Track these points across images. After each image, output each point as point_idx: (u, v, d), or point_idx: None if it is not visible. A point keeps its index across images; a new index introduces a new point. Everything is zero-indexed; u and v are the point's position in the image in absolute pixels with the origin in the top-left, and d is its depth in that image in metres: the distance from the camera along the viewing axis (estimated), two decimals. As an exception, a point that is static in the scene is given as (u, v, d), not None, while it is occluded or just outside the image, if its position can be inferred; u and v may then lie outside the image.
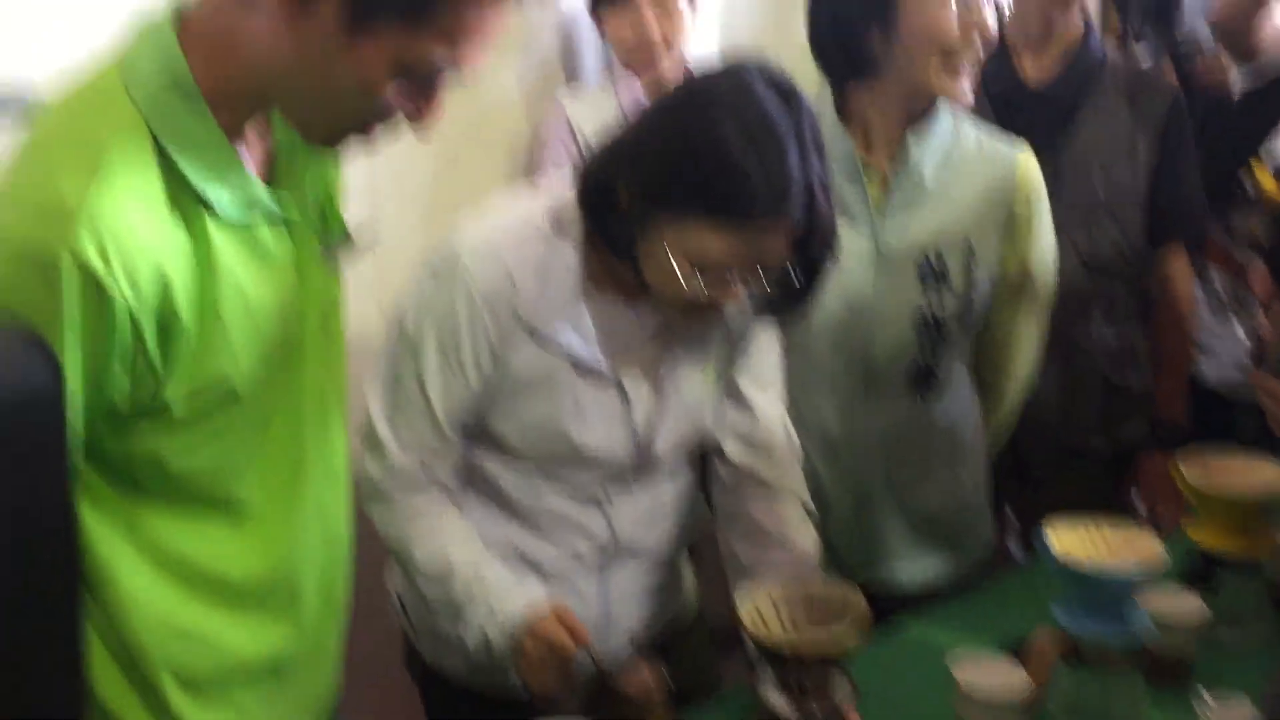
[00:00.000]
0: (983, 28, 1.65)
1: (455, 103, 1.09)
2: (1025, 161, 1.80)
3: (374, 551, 1.62)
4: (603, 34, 2.48)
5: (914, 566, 1.92)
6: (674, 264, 1.33)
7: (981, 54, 1.68)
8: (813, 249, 1.37)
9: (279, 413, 1.19)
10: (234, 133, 1.08)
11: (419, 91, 1.06)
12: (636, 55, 2.36)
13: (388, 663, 1.75)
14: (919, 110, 1.73)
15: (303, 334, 1.19)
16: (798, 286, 1.42)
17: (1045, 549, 1.47)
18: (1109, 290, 2.13)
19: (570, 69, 2.74)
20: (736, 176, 1.28)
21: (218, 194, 1.06)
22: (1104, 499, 2.06)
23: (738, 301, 1.38)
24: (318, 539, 1.26)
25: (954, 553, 1.94)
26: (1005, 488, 2.25)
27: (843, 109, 1.76)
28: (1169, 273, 2.21)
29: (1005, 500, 2.28)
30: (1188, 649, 1.55)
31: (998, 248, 1.80)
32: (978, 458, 1.96)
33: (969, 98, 1.71)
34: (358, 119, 1.07)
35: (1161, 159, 2.09)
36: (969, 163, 1.77)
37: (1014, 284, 1.85)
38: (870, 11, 1.65)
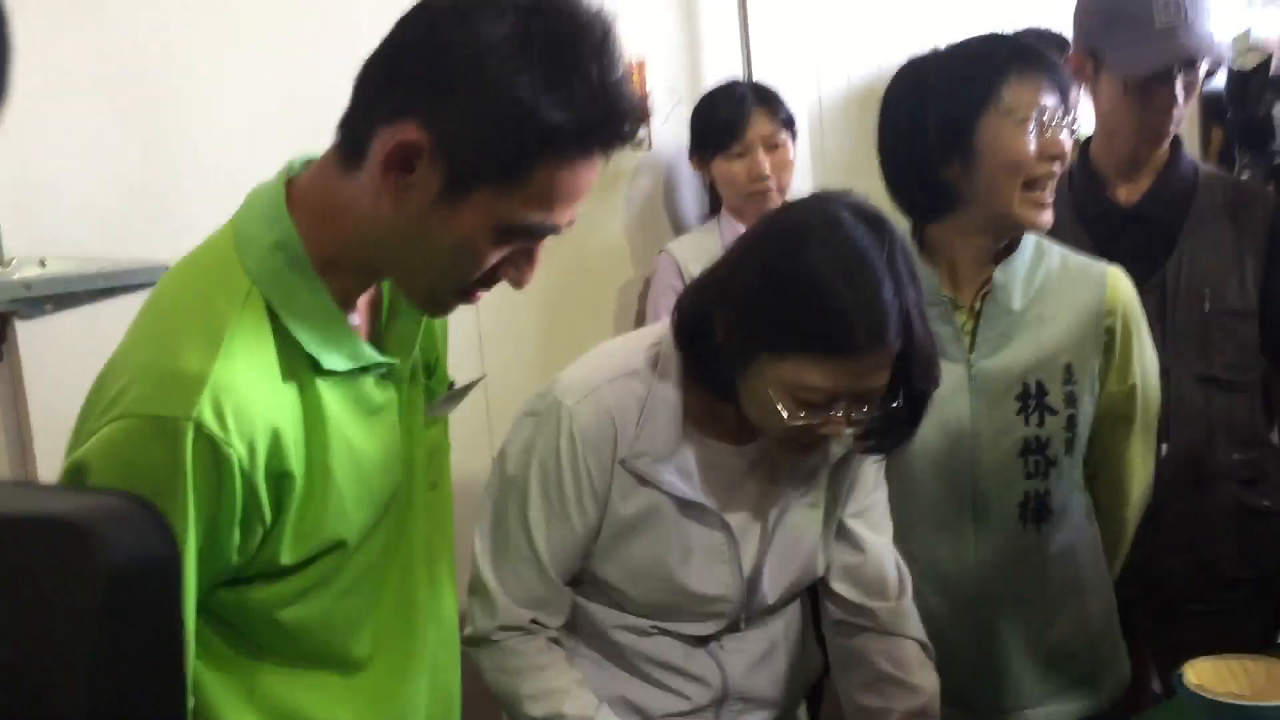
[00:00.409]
0: (1061, 154, 1.65)
1: (559, 250, 1.12)
2: (1115, 276, 1.77)
3: (483, 708, 1.61)
4: (707, 177, 2.53)
5: (1047, 709, 1.83)
6: (775, 399, 1.33)
7: (1057, 178, 1.68)
8: (914, 377, 1.36)
9: (389, 565, 1.20)
10: (345, 298, 1.12)
11: (519, 254, 1.09)
12: (749, 198, 2.41)
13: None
14: (1003, 240, 1.73)
15: (411, 486, 1.21)
16: (902, 416, 1.40)
17: (1184, 687, 1.41)
18: (1230, 410, 2.07)
19: (671, 212, 2.80)
20: (832, 312, 1.29)
21: (328, 357, 1.09)
22: (1247, 631, 1.97)
23: (841, 434, 1.37)
24: (428, 692, 1.26)
25: (1089, 691, 1.85)
26: (1142, 624, 2.16)
27: (924, 245, 1.76)
28: None
29: (1143, 637, 2.18)
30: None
31: (1097, 367, 1.76)
32: (1104, 588, 1.89)
33: (1049, 224, 1.70)
34: (460, 283, 1.10)
35: (1269, 268, 2.04)
36: (1058, 285, 1.75)
37: (1119, 403, 1.80)
38: (948, 145, 1.66)
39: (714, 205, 2.60)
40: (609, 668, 1.53)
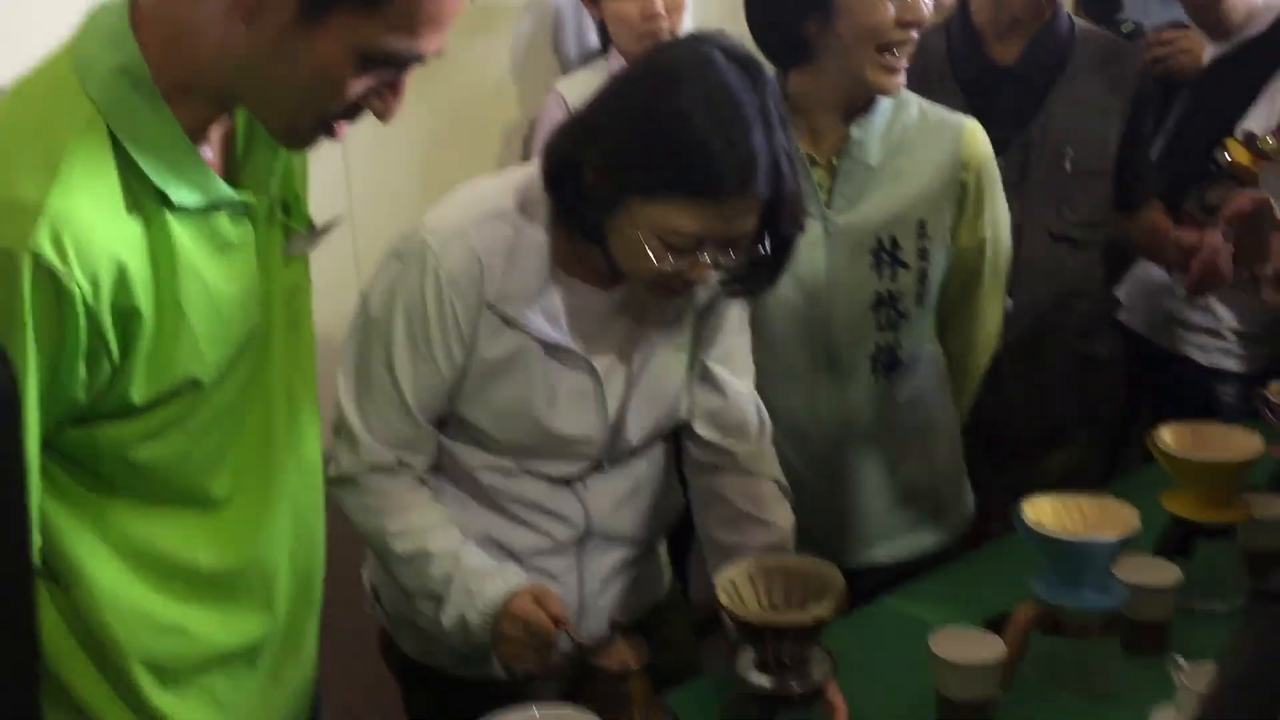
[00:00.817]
0: (918, 21, 1.65)
1: (438, 88, 1.07)
2: (971, 130, 1.80)
3: (348, 547, 1.62)
4: (597, 16, 2.48)
5: (892, 545, 1.92)
6: (643, 243, 1.33)
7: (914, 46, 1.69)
8: (781, 222, 1.38)
9: (247, 404, 1.18)
10: (195, 128, 1.07)
11: (384, 84, 1.05)
12: (641, 38, 2.37)
13: (366, 655, 1.75)
14: (859, 100, 1.74)
15: (269, 325, 1.19)
16: (767, 261, 1.42)
17: (1022, 523, 1.48)
18: (1078, 267, 2.15)
19: (560, 52, 2.74)
20: (702, 154, 1.29)
21: (177, 190, 1.05)
22: (1084, 475, 2.08)
23: (708, 279, 1.38)
24: (290, 530, 1.26)
25: (932, 528, 1.95)
26: (984, 468, 2.26)
27: (785, 99, 1.76)
28: (1153, 223, 2.22)
29: (985, 480, 2.29)
30: (1164, 616, 1.57)
31: (950, 221, 1.80)
32: (951, 433, 1.98)
33: (902, 91, 1.72)
34: (321, 114, 1.06)
35: (1132, 119, 2.10)
36: (915, 138, 1.78)
37: (969, 256, 1.86)
38: (807, 1, 1.66)
39: (604, 45, 2.55)
40: (474, 507, 1.55)
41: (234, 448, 1.18)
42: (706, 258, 1.36)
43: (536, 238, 1.43)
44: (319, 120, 1.07)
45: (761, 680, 1.31)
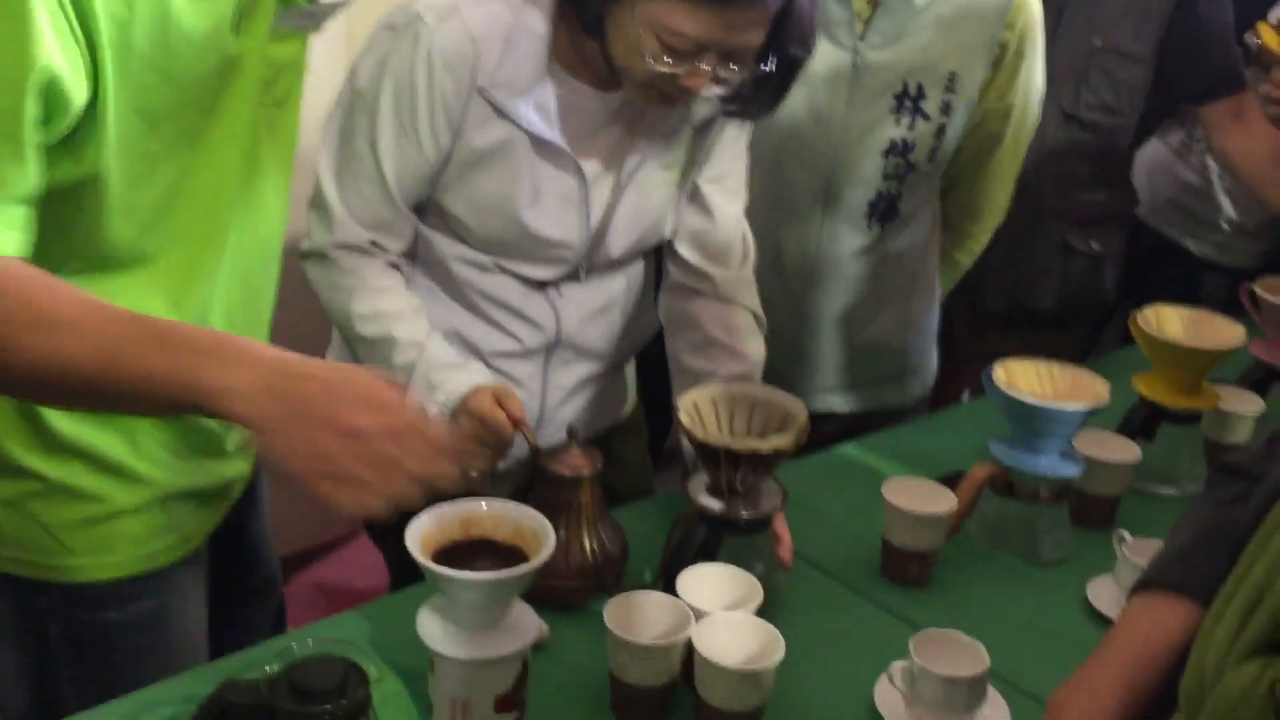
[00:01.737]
0: None
1: None
2: None
3: (313, 328, 1.60)
4: None
5: (853, 396, 1.93)
6: (641, 40, 1.28)
7: None
8: (789, 40, 1.32)
9: (196, 166, 1.12)
10: None
11: None
12: None
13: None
14: None
15: (236, 84, 1.12)
16: (771, 83, 1.37)
17: (991, 382, 1.48)
18: (1085, 151, 2.10)
19: None
20: None
21: None
22: (1060, 351, 2.08)
23: (703, 88, 1.33)
24: (227, 294, 1.21)
25: (896, 386, 1.95)
26: (960, 336, 2.26)
27: None
28: (1229, 146, 2.13)
29: (956, 349, 2.30)
30: (1116, 491, 1.58)
31: (981, 80, 1.75)
32: (930, 294, 1.96)
33: None
34: None
35: (1179, 6, 2.01)
36: None
37: (993, 119, 1.81)
38: None
39: None
40: (444, 300, 1.52)
41: (174, 207, 1.12)
42: (705, 66, 1.30)
43: (536, 26, 1.37)
44: None
45: (711, 503, 1.31)
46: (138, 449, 1.18)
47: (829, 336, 1.88)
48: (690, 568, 1.26)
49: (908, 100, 1.72)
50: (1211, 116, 2.14)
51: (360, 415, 0.90)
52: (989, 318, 2.25)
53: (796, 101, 1.70)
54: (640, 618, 1.20)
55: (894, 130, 1.73)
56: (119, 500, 1.18)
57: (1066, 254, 2.18)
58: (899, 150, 1.75)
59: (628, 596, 1.21)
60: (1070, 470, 1.47)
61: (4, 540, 1.17)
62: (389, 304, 1.45)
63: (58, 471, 1.15)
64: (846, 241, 1.81)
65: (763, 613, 1.22)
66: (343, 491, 0.89)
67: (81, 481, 1.16)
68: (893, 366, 1.94)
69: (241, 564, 1.44)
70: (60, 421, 1.14)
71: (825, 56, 1.69)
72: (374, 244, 1.45)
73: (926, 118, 1.73)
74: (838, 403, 1.93)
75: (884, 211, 1.80)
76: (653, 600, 1.21)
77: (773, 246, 1.80)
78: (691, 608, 1.19)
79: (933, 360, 2.01)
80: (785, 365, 1.87)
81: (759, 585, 1.25)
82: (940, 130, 1.75)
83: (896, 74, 1.71)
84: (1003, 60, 1.75)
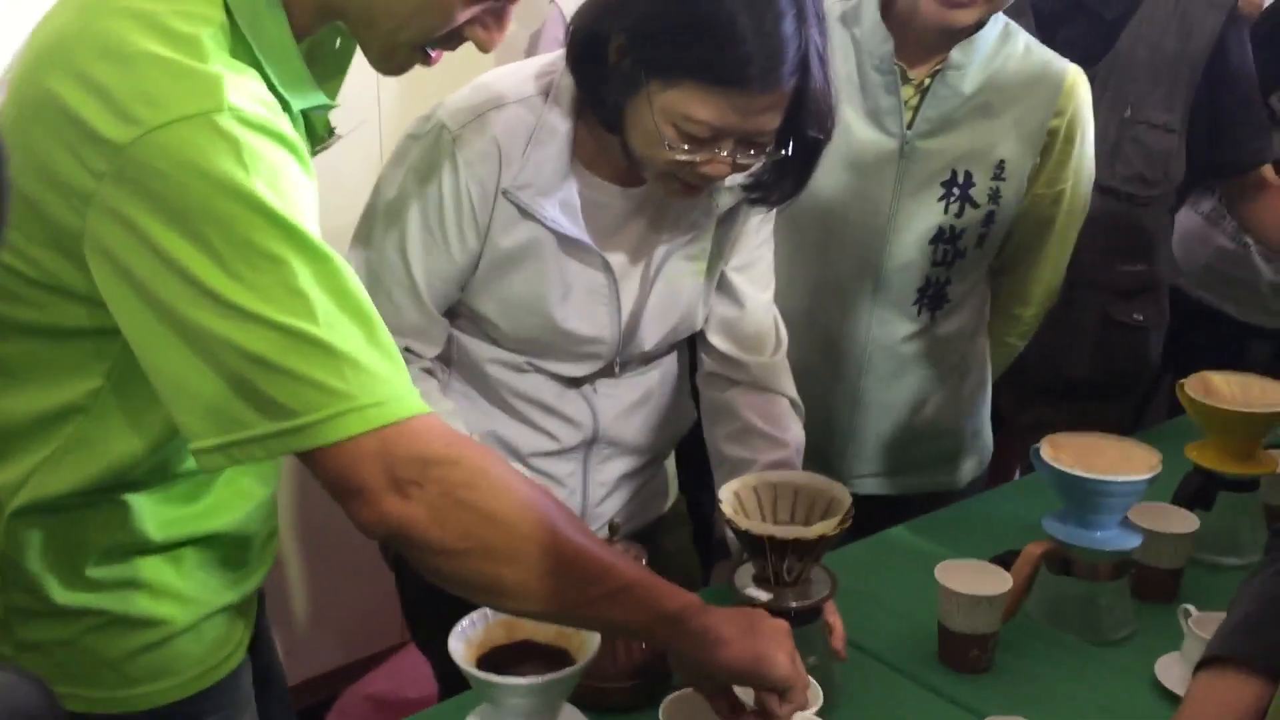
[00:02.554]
0: None
1: None
2: (1074, 78, 1.73)
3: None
4: None
5: (906, 479, 1.90)
6: (660, 130, 1.29)
7: None
8: (806, 123, 1.32)
9: None
10: (298, 36, 1.03)
11: (487, 14, 1.03)
12: None
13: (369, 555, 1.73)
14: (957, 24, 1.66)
15: None
16: (791, 168, 1.37)
17: (1040, 458, 1.45)
18: (1121, 223, 2.08)
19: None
20: (728, 38, 1.23)
21: (294, 95, 1.03)
22: (1105, 422, 2.05)
23: (724, 175, 1.34)
24: None
25: (949, 468, 1.92)
26: (1008, 414, 2.23)
27: (887, 10, 1.69)
28: (1253, 214, 2.13)
29: (1006, 427, 2.27)
30: (1177, 564, 1.54)
31: (1030, 167, 1.75)
32: (982, 376, 1.94)
33: (957, 22, 1.62)
34: (422, 39, 1.03)
35: (1208, 73, 1.99)
36: (1015, 75, 1.71)
37: (1043, 205, 1.80)
38: None
39: None
40: (481, 403, 1.53)
41: None
42: (723, 153, 1.31)
43: (558, 125, 1.39)
44: (418, 45, 1.04)
45: (759, 594, 1.28)
46: (181, 570, 1.18)
47: (881, 421, 1.86)
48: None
49: (956, 187, 1.72)
50: (1232, 189, 2.13)
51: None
52: (1033, 390, 2.22)
53: (844, 187, 1.72)
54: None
55: (942, 218, 1.73)
56: (172, 622, 1.18)
57: (1107, 325, 2.15)
58: (947, 237, 1.75)
59: (683, 696, 1.18)
60: (1129, 543, 1.43)
61: (67, 678, 1.16)
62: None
63: (116, 605, 1.14)
64: (896, 327, 1.80)
65: (822, 709, 1.19)
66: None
67: (134, 609, 1.15)
68: (946, 449, 1.92)
69: (262, 669, 1.43)
70: (110, 557, 1.14)
71: (873, 144, 1.71)
72: (408, 350, 1.45)
73: (975, 205, 1.73)
74: (890, 486, 1.90)
75: (933, 297, 1.79)
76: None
77: (822, 332, 1.79)
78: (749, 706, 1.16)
79: (987, 441, 1.99)
80: (836, 450, 1.85)
81: (817, 685, 1.21)
82: (989, 217, 1.75)
83: (945, 161, 1.71)
84: (1053, 146, 1.75)
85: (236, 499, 1.18)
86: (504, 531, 0.95)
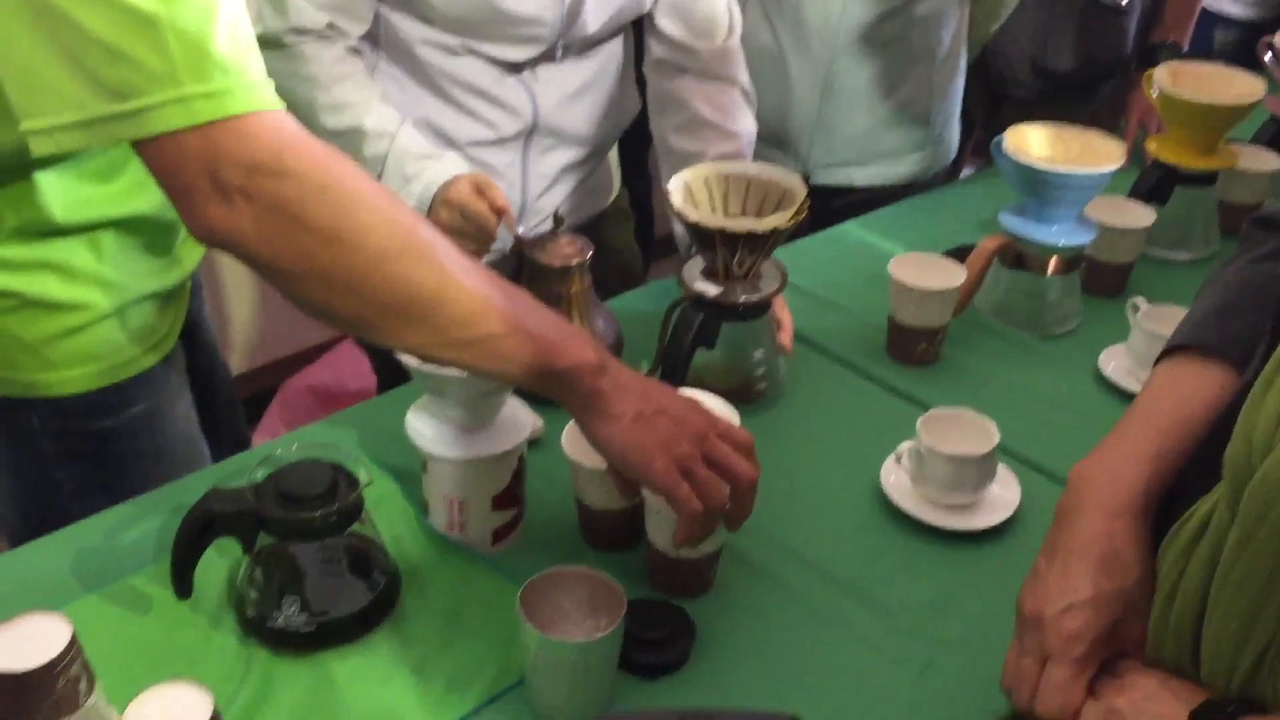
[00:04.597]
0: None
1: None
2: None
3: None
4: None
5: (870, 169, 1.87)
6: None
7: None
8: None
9: None
10: None
11: None
12: None
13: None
14: None
15: None
16: None
17: (1000, 149, 1.42)
18: None
19: None
20: None
21: None
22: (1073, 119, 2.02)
23: None
24: None
25: (914, 157, 1.89)
26: (975, 105, 2.19)
27: None
28: None
29: (978, 123, 2.24)
30: (1129, 258, 1.54)
31: None
32: (956, 63, 1.89)
33: None
34: None
35: None
36: None
37: None
38: None
39: None
40: (412, 88, 1.45)
41: None
42: None
43: None
44: None
45: (708, 288, 1.26)
46: (100, 254, 1.15)
47: (849, 105, 1.81)
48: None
49: None
50: None
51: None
52: (1004, 88, 2.17)
53: None
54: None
55: None
56: (93, 307, 1.15)
57: (1088, 10, 2.09)
58: None
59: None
60: (1082, 238, 1.42)
61: None
62: (354, 94, 1.37)
63: (29, 286, 1.12)
64: (870, 6, 1.72)
65: (765, 399, 1.19)
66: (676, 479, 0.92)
67: (54, 292, 1.13)
68: (916, 136, 1.87)
69: (204, 364, 1.41)
70: (22, 237, 1.10)
71: None
72: (331, 26, 1.35)
73: None
74: (855, 175, 1.87)
75: None
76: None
77: (794, 13, 1.72)
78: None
79: (955, 132, 1.95)
80: (803, 138, 1.81)
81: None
82: None
83: None
84: None
85: None
86: (342, 258, 0.85)
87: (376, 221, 0.87)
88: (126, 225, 1.15)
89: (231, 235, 0.85)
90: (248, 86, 0.85)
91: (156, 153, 0.84)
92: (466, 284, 0.89)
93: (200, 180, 0.84)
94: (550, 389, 0.94)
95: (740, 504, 0.95)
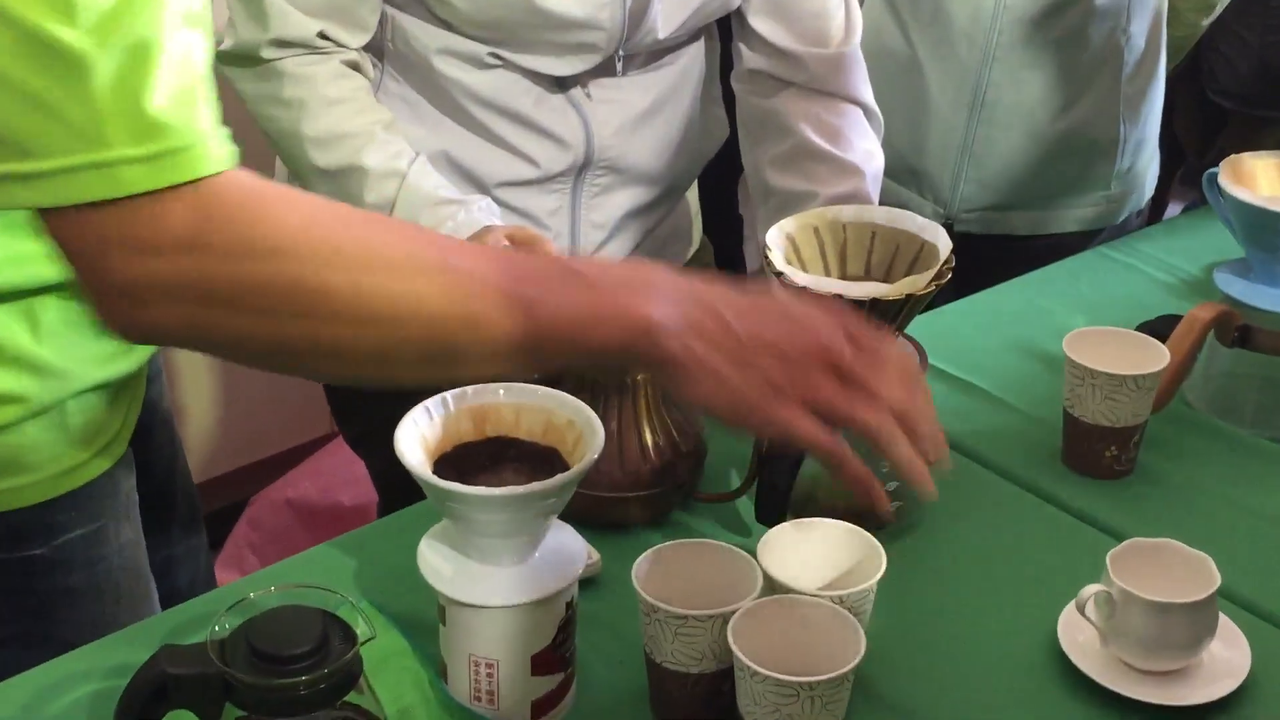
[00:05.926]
0: None
1: None
2: None
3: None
4: None
5: (1033, 214, 1.90)
6: None
7: None
8: None
9: None
10: None
11: None
12: None
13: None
14: None
15: None
16: None
17: (1215, 186, 1.44)
18: None
19: None
20: None
21: None
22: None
23: None
24: None
25: (1095, 198, 1.91)
26: (1188, 132, 2.23)
27: None
28: None
29: (1187, 150, 2.28)
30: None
31: None
32: (1152, 73, 1.93)
33: None
34: None
35: None
36: None
37: None
38: None
39: None
40: (428, 111, 1.51)
41: None
42: None
43: None
44: None
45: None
46: (38, 330, 1.19)
47: (1011, 128, 1.84)
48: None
49: None
50: None
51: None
52: (1221, 101, 2.21)
53: None
54: (698, 567, 1.13)
55: None
56: (27, 399, 1.19)
57: None
58: None
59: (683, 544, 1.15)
60: (1328, 308, 1.43)
61: None
62: (352, 122, 1.43)
63: None
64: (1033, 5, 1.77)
65: (899, 523, 1.19)
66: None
67: None
68: (1100, 168, 1.89)
69: (159, 474, 1.44)
70: None
71: None
72: (324, 36, 1.42)
73: None
74: (1020, 222, 1.90)
75: None
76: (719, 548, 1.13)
77: (932, 8, 1.78)
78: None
79: (1154, 162, 1.98)
80: (942, 169, 1.86)
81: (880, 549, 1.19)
82: None
83: None
84: None
85: None
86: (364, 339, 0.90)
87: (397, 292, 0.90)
88: (70, 291, 1.19)
89: (169, 335, 0.89)
90: (192, 145, 0.87)
91: (64, 226, 0.86)
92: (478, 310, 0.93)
93: (125, 264, 0.86)
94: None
95: (909, 438, 1.00)
